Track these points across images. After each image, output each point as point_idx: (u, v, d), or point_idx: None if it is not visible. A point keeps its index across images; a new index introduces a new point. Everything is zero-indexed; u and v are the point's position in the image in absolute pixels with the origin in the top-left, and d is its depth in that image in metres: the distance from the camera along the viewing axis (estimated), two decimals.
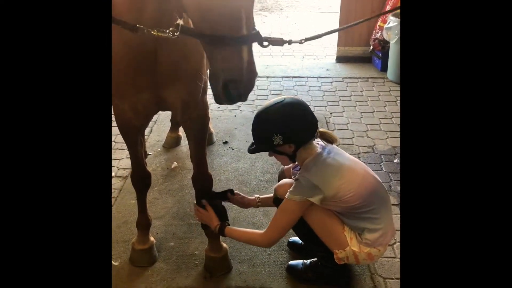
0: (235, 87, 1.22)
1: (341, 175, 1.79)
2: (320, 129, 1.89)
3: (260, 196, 2.17)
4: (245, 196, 2.17)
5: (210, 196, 2.07)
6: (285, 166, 2.15)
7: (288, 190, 1.81)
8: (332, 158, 1.84)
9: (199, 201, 2.08)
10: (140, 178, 2.10)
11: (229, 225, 1.98)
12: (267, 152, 1.92)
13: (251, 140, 1.90)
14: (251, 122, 1.88)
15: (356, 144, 3.32)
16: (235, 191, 2.17)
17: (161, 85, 1.71)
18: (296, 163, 1.96)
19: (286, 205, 1.82)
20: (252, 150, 1.89)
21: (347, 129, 3.54)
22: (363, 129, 3.54)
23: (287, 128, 1.78)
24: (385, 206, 1.89)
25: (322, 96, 4.13)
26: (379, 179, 1.92)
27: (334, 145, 1.93)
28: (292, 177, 1.99)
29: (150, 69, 1.65)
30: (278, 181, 2.08)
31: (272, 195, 2.12)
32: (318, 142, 1.90)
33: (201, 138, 1.97)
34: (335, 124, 3.61)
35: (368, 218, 1.83)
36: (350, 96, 4.14)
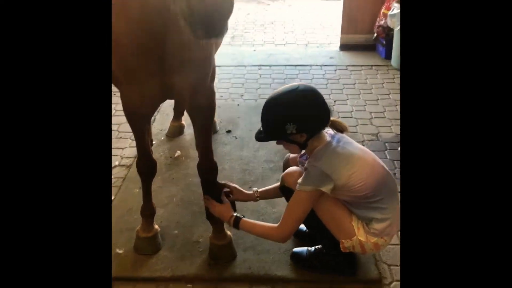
0: (194, 15, 1.16)
1: (351, 164, 1.78)
2: (331, 118, 1.86)
3: (259, 190, 2.16)
4: (243, 190, 2.16)
5: (219, 190, 2.07)
6: (291, 155, 2.14)
7: (298, 181, 1.79)
8: (342, 147, 1.82)
9: (206, 191, 2.07)
10: (146, 167, 2.10)
11: (244, 217, 1.97)
12: (273, 142, 1.90)
13: (255, 129, 1.87)
14: (254, 111, 1.86)
15: (360, 132, 3.30)
16: (232, 184, 2.16)
17: (169, 71, 1.69)
18: (303, 151, 1.95)
19: (297, 197, 1.81)
20: (262, 138, 1.85)
21: (351, 117, 3.52)
22: (367, 117, 3.53)
23: (302, 117, 1.74)
24: (393, 196, 1.88)
25: (326, 84, 4.11)
26: (388, 169, 1.91)
27: (343, 134, 1.91)
28: (300, 166, 1.98)
29: (159, 54, 1.63)
30: (283, 170, 2.07)
31: (273, 186, 2.13)
32: (327, 131, 1.89)
33: (207, 126, 1.96)
34: (339, 112, 3.59)
35: (376, 208, 1.82)
36: (354, 84, 4.11)
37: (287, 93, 1.77)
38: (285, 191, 1.99)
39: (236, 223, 1.95)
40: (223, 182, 2.14)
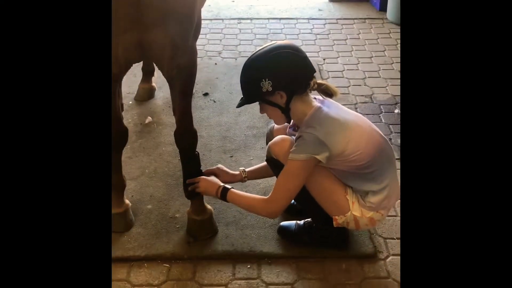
0: None
1: (348, 131, 1.82)
2: (318, 81, 1.90)
3: (247, 169, 2.19)
4: (228, 170, 2.19)
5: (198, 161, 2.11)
6: (276, 126, 2.16)
7: (290, 150, 1.82)
8: (335, 112, 1.86)
9: (186, 162, 2.09)
10: (117, 134, 2.07)
11: (232, 188, 2.00)
12: (255, 105, 1.95)
13: (235, 91, 1.90)
14: (234, 71, 1.90)
15: (352, 94, 3.33)
16: (218, 166, 2.20)
17: (146, 25, 1.67)
18: (292, 122, 1.98)
19: (290, 167, 1.84)
20: (240, 103, 1.91)
21: (343, 77, 3.54)
22: (360, 76, 3.55)
23: (278, 72, 1.80)
24: (391, 166, 1.93)
25: (314, 40, 4.11)
26: (385, 137, 1.95)
27: (332, 100, 1.94)
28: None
29: (134, 5, 1.61)
30: (267, 143, 2.10)
31: (262, 164, 2.16)
32: (314, 97, 1.91)
33: (188, 89, 1.96)
34: (329, 71, 3.60)
35: (373, 179, 1.87)
36: (345, 39, 4.12)
37: (262, 49, 1.85)
38: (272, 163, 2.01)
39: (224, 194, 1.97)
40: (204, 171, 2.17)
